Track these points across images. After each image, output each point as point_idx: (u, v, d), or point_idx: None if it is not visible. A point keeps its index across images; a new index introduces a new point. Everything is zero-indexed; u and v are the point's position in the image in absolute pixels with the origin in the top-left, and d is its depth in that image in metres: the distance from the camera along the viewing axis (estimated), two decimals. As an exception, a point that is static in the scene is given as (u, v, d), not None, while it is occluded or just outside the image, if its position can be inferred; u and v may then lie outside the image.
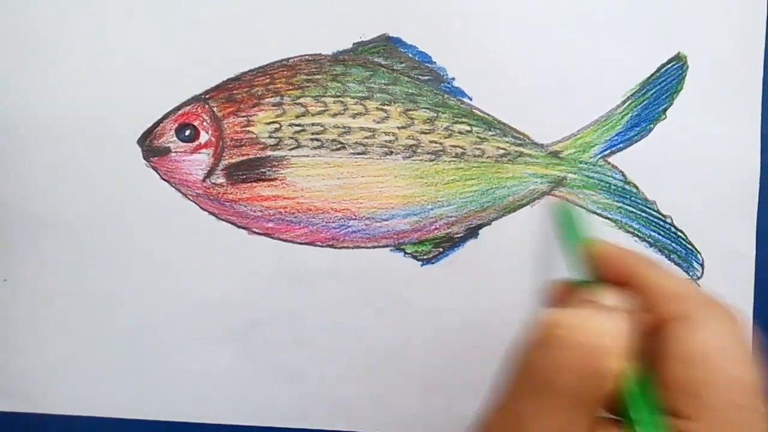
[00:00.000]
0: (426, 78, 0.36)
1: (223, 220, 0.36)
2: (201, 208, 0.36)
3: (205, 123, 0.36)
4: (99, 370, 0.37)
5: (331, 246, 0.36)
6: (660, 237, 0.36)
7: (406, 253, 0.36)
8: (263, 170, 0.36)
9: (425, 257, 0.36)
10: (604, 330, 0.21)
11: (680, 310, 0.22)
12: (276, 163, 0.36)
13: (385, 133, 0.36)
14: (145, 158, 0.36)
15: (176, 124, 0.36)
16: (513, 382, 0.21)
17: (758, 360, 0.21)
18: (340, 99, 0.36)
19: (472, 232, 0.36)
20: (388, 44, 0.36)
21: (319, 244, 0.36)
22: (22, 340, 0.37)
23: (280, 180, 0.36)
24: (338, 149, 0.36)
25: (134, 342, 0.37)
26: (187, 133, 0.36)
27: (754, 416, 0.20)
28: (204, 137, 0.36)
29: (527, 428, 0.20)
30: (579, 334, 0.21)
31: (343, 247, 0.36)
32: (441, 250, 0.36)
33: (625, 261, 0.25)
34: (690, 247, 0.36)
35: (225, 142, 0.36)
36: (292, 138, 0.36)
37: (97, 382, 0.37)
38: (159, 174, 0.36)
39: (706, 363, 0.21)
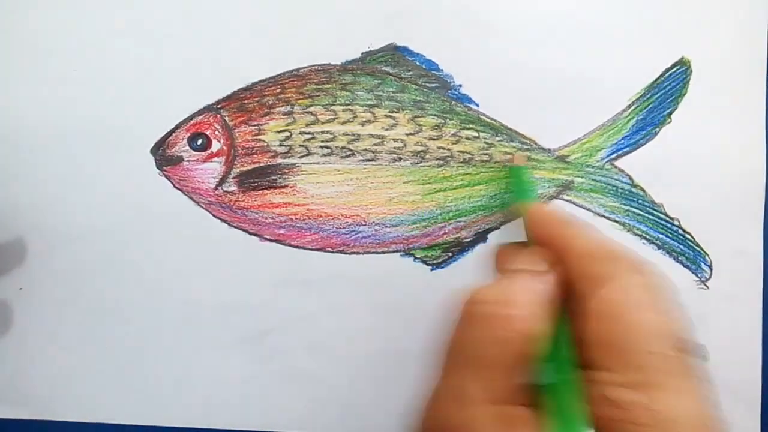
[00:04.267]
0: (433, 85, 0.37)
1: (234, 227, 0.37)
2: (213, 215, 0.37)
3: (216, 132, 0.37)
4: (113, 377, 0.37)
5: (342, 252, 0.37)
6: (668, 239, 0.36)
7: (415, 258, 0.37)
8: (274, 178, 0.37)
9: (435, 262, 0.37)
10: (514, 299, 0.22)
11: (594, 269, 0.23)
12: (287, 171, 0.37)
13: (393, 139, 0.37)
14: (158, 167, 0.37)
15: (188, 134, 0.37)
16: (446, 358, 0.23)
17: (674, 309, 0.22)
18: (349, 107, 0.37)
19: (481, 237, 0.37)
20: (396, 53, 0.37)
21: (330, 250, 0.37)
22: (38, 347, 0.37)
23: (291, 187, 0.37)
24: (348, 156, 0.37)
25: (147, 349, 0.37)
26: (200, 142, 0.37)
27: (669, 360, 0.21)
28: (216, 146, 0.37)
29: (465, 399, 0.21)
30: (491, 306, 0.22)
31: (354, 253, 0.37)
32: (450, 254, 0.37)
33: (550, 222, 0.27)
34: (698, 248, 0.36)
35: (236, 150, 0.37)
36: (302, 146, 0.37)
37: (111, 389, 0.37)
38: (172, 183, 0.37)
39: (618, 316, 0.22)
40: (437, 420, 0.22)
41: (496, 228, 0.37)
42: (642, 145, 0.37)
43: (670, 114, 0.36)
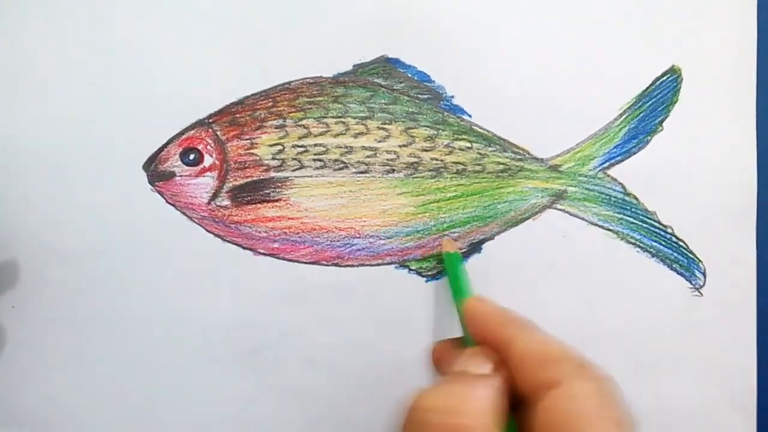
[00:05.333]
0: (425, 97, 0.37)
1: (228, 242, 0.37)
2: (206, 230, 0.37)
3: (209, 147, 0.37)
4: (107, 395, 0.37)
5: (336, 264, 0.37)
6: (661, 247, 0.36)
7: (410, 269, 0.37)
8: (267, 191, 0.37)
9: (429, 273, 0.37)
10: (464, 408, 0.21)
11: (538, 374, 0.22)
12: (280, 184, 0.37)
13: (386, 151, 0.37)
14: (150, 183, 0.37)
15: (181, 149, 0.37)
16: None
17: (624, 412, 0.21)
18: (342, 120, 0.37)
19: (475, 247, 0.37)
20: (388, 65, 0.37)
21: (324, 263, 0.37)
22: (31, 366, 0.37)
23: (284, 200, 0.37)
24: (341, 169, 0.37)
25: (141, 366, 0.37)
26: (192, 157, 0.37)
27: None
28: (208, 161, 0.37)
29: None
30: (440, 415, 0.21)
31: (348, 266, 0.37)
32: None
33: (490, 320, 0.25)
34: (691, 256, 0.36)
35: (229, 164, 0.37)
36: (295, 159, 0.37)
37: (106, 407, 0.37)
38: (164, 198, 0.37)
39: (565, 427, 0.21)
40: None
41: (491, 238, 0.37)
42: (634, 153, 0.37)
43: (661, 122, 0.37)
